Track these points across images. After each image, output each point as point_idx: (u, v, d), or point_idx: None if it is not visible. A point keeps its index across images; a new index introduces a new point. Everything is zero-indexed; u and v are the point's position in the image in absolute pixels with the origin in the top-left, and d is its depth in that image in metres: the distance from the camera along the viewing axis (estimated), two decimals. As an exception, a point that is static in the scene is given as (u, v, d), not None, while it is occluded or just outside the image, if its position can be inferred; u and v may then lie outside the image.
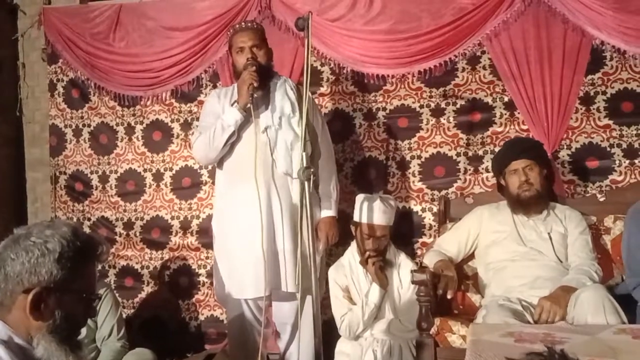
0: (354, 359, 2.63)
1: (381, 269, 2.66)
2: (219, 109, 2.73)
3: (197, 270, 3.61)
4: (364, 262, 2.71)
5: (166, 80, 3.64)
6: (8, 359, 1.21)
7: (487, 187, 3.19)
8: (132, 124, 3.74)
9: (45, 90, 3.92)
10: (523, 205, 2.68)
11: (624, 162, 3.06)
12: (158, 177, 3.71)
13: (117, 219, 3.77)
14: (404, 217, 3.24)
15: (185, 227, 3.64)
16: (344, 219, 3.04)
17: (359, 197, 2.81)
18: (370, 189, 3.25)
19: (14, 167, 4.01)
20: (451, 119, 3.28)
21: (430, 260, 2.70)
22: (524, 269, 2.56)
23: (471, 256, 2.85)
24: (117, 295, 3.10)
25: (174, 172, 3.68)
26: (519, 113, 3.17)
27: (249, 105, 2.57)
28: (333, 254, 3.16)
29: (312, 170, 2.27)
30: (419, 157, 3.32)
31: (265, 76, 2.65)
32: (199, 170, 3.62)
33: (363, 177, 3.38)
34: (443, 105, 3.29)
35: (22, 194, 4.04)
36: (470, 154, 3.25)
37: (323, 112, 3.36)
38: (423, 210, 3.30)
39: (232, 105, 2.66)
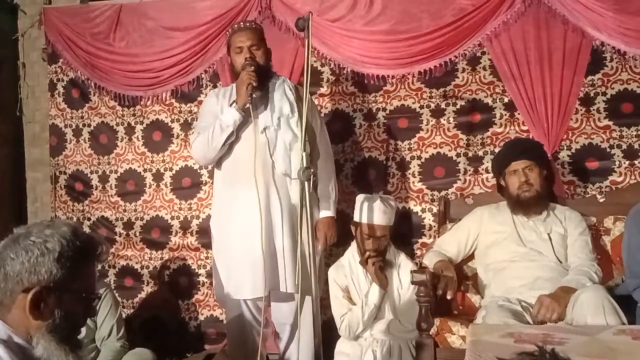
0: (353, 359, 2.63)
1: (381, 269, 2.66)
2: (218, 109, 2.72)
3: (196, 271, 3.62)
4: (363, 262, 2.71)
5: (166, 80, 3.64)
6: (8, 359, 1.21)
7: (487, 188, 3.19)
8: (132, 124, 3.75)
9: (45, 90, 3.92)
10: (523, 205, 2.68)
11: (624, 163, 3.06)
12: (158, 177, 3.71)
13: (117, 219, 3.78)
14: (403, 218, 3.25)
15: (185, 227, 3.64)
16: (343, 219, 3.04)
17: (359, 198, 2.81)
18: (370, 189, 3.25)
19: (14, 166, 4.01)
20: (451, 119, 3.28)
21: (430, 260, 2.70)
22: (523, 269, 2.56)
23: (471, 257, 2.85)
24: (116, 295, 3.11)
25: (174, 172, 3.68)
26: (519, 114, 3.17)
27: (247, 105, 2.57)
28: (333, 254, 3.17)
29: (312, 170, 2.27)
30: (419, 157, 3.32)
31: (264, 76, 2.65)
32: (199, 171, 3.62)
33: (363, 177, 3.38)
34: (443, 105, 3.29)
35: (22, 193, 4.04)
36: (470, 154, 3.25)
37: (323, 112, 3.37)
38: (423, 210, 3.30)
39: (230, 105, 2.66)
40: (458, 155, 3.26)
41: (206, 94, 3.51)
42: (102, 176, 3.80)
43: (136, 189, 3.74)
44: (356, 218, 2.77)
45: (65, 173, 3.87)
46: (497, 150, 3.10)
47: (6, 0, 3.93)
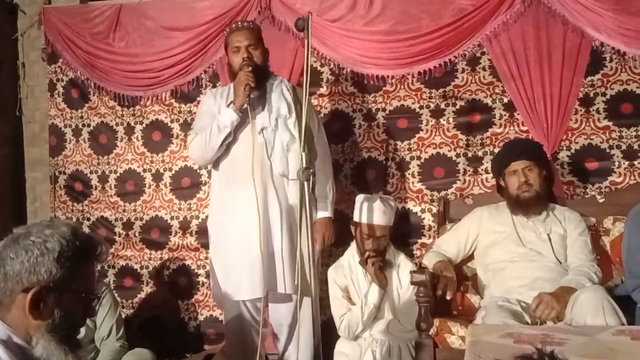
0: (353, 359, 2.63)
1: (380, 270, 2.66)
2: (215, 109, 2.71)
3: (196, 271, 3.61)
4: (363, 263, 2.71)
5: (166, 80, 3.64)
6: (7, 359, 1.21)
7: (486, 188, 3.19)
8: (132, 124, 3.74)
9: (45, 90, 3.92)
10: (522, 206, 2.68)
11: (624, 163, 3.06)
12: (157, 177, 3.70)
13: (116, 219, 3.77)
14: (403, 218, 3.25)
15: (184, 227, 3.64)
16: (343, 219, 3.04)
17: (359, 198, 2.81)
18: (369, 189, 3.24)
19: (14, 166, 4.00)
20: (451, 119, 3.28)
21: (429, 261, 2.69)
22: (523, 269, 2.56)
23: (470, 257, 2.85)
24: (116, 295, 3.10)
25: (173, 172, 3.68)
26: (518, 114, 3.17)
27: (245, 105, 2.56)
28: (332, 254, 3.17)
29: (311, 170, 2.26)
30: (419, 157, 3.32)
31: (261, 76, 2.64)
32: (198, 171, 3.62)
33: (362, 177, 3.38)
34: (443, 106, 3.29)
35: (21, 193, 4.04)
36: (469, 154, 3.25)
37: (322, 112, 3.37)
38: (422, 211, 3.30)
39: (228, 105, 2.65)
40: (458, 155, 3.26)
41: (206, 94, 3.51)
42: (101, 176, 3.80)
43: (136, 189, 3.74)
44: (356, 218, 2.77)
45: (64, 173, 3.86)
46: (496, 150, 3.10)
47: (6, 0, 3.93)
